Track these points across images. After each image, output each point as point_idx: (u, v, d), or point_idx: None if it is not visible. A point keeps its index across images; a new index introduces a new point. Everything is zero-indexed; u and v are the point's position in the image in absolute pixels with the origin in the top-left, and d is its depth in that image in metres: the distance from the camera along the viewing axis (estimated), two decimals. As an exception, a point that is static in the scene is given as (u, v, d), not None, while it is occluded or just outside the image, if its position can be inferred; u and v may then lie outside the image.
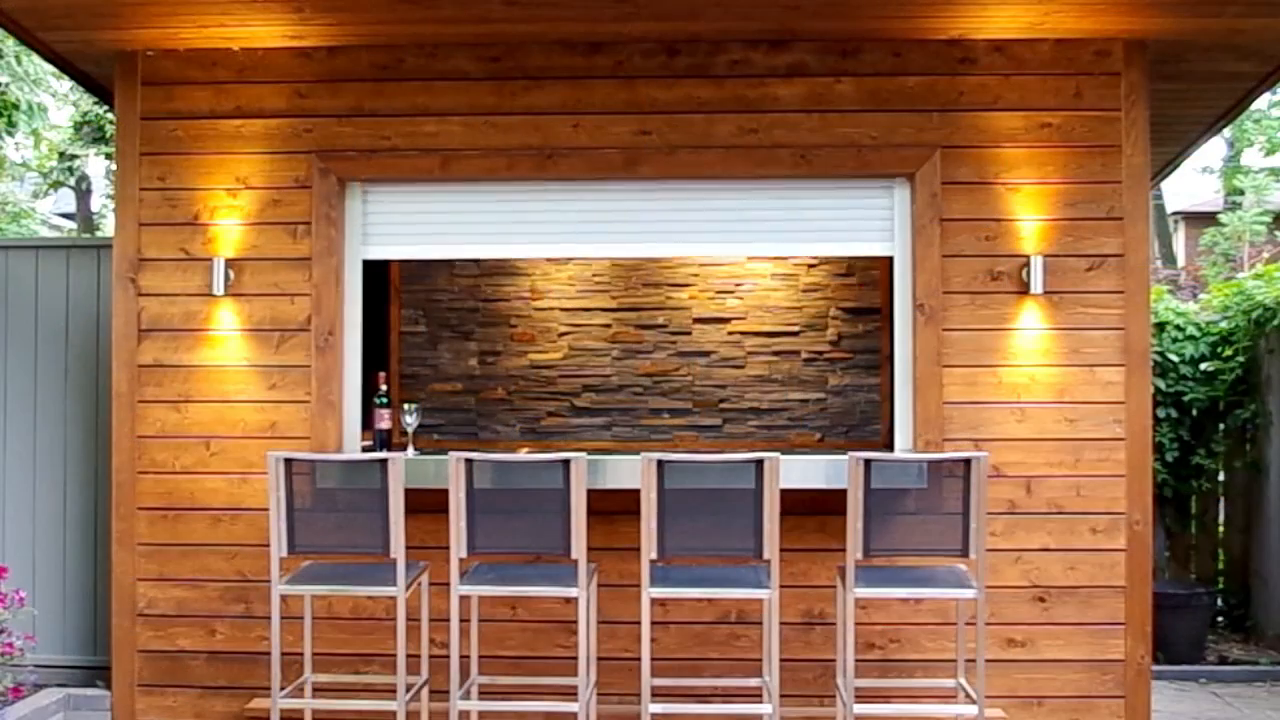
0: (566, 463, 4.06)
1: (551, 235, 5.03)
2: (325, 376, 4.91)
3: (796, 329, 7.26)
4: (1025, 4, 4.48)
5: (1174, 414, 7.20)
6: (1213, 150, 17.35)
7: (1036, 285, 4.75)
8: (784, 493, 4.05)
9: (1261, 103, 13.45)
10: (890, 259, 4.97)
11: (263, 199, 4.98)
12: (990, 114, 4.85)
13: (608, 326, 7.33)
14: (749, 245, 5.20)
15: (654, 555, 4.05)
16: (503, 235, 5.04)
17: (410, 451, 4.78)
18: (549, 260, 7.20)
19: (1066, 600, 4.79)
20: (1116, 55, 4.81)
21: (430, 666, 4.53)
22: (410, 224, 5.06)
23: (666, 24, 4.73)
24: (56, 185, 16.74)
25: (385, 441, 4.92)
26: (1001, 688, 4.74)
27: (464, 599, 4.25)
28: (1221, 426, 7.28)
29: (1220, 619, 7.20)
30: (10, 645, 4.76)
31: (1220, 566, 7.35)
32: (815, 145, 4.86)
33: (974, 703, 4.16)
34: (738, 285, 7.25)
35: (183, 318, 4.98)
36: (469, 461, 4.10)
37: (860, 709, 4.13)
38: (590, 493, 4.09)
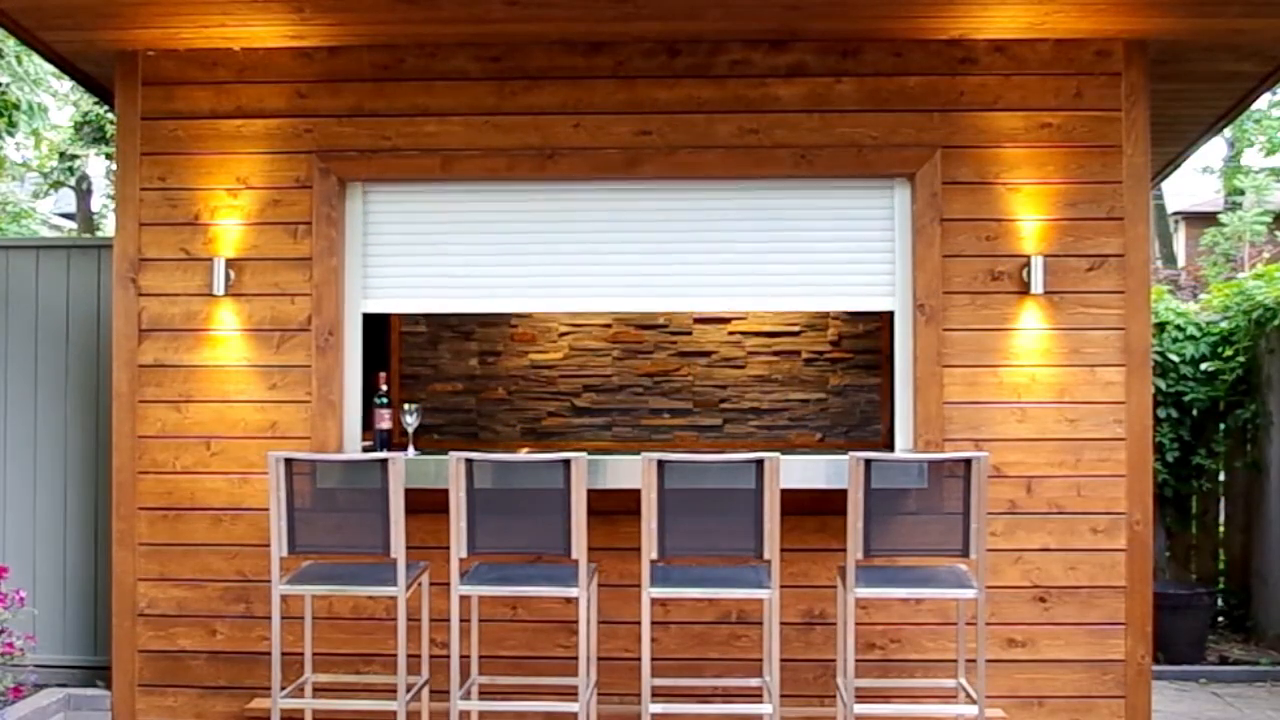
0: (567, 463, 4.06)
1: (550, 286, 5.00)
2: (326, 376, 4.91)
3: (797, 329, 7.27)
4: (1026, 4, 4.48)
5: (1174, 414, 7.20)
6: (1213, 150, 17.36)
7: (1037, 285, 4.75)
8: (784, 493, 4.05)
9: (1262, 103, 13.44)
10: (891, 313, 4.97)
11: (263, 199, 4.98)
12: (991, 114, 4.85)
13: (608, 326, 7.34)
14: (750, 299, 5.07)
15: (654, 555, 4.05)
16: (506, 287, 5.01)
17: (411, 451, 4.78)
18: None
19: (1067, 600, 4.79)
20: (1117, 55, 4.81)
21: (430, 666, 4.53)
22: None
23: (667, 24, 4.73)
24: (57, 185, 16.74)
25: (386, 442, 4.92)
26: (1002, 688, 4.74)
27: (464, 599, 4.25)
28: (1222, 426, 7.28)
29: (1221, 619, 7.20)
30: (10, 645, 4.76)
31: (1221, 566, 7.35)
32: (816, 145, 4.86)
33: (974, 703, 4.16)
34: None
35: (183, 318, 4.99)
36: (469, 461, 4.10)
37: (861, 709, 4.13)
38: (591, 493, 4.09)
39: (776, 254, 4.94)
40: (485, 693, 4.71)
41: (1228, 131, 14.25)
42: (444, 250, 5.02)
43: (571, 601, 4.56)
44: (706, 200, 4.96)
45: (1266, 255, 14.96)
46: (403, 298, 5.08)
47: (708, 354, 7.28)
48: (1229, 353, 7.17)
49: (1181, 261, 18.39)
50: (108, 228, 16.43)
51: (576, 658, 4.24)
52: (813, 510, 4.69)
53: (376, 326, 6.62)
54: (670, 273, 4.98)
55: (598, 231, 4.99)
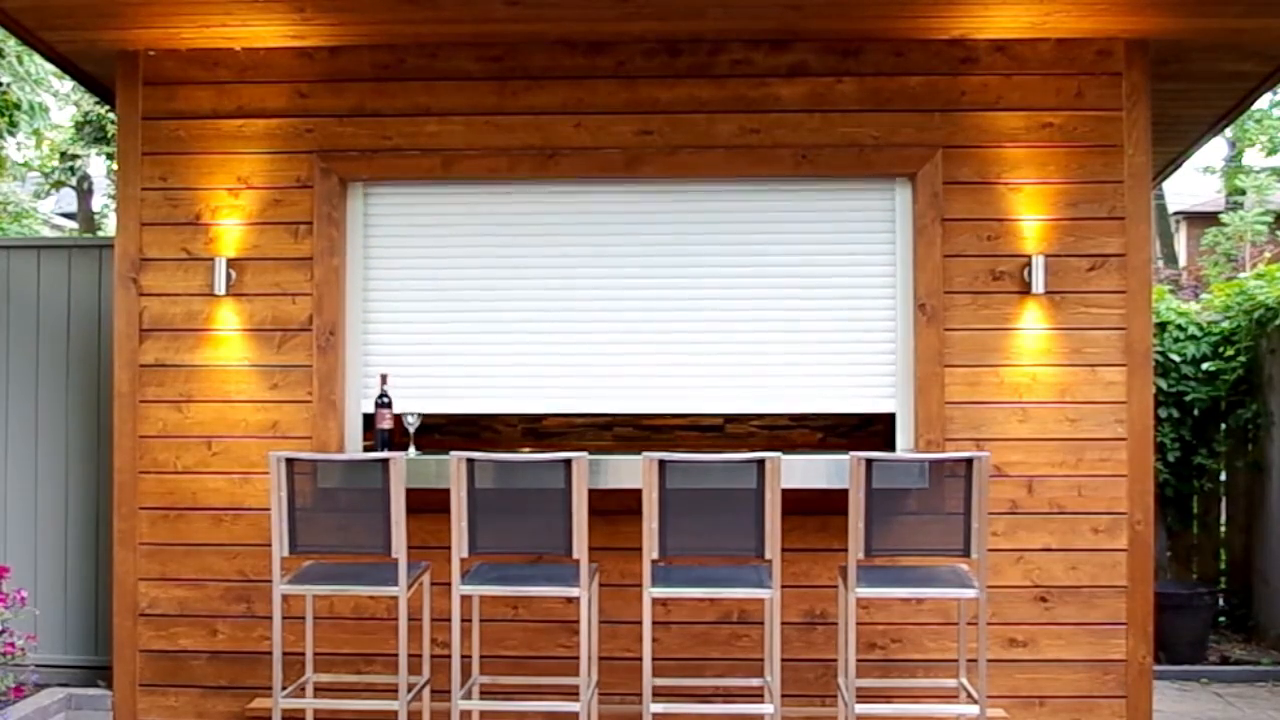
0: (568, 462, 4.06)
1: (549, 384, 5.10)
2: (327, 376, 4.91)
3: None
4: (1027, 4, 4.48)
5: (1175, 414, 7.20)
6: (1214, 150, 17.34)
7: (1038, 285, 4.75)
8: (786, 492, 4.05)
9: (1263, 102, 13.43)
10: (893, 414, 4.96)
11: (264, 199, 4.99)
12: (992, 114, 4.85)
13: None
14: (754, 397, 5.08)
15: (655, 555, 4.05)
16: (508, 387, 5.08)
17: (412, 451, 4.77)
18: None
19: (1068, 600, 4.79)
20: (1118, 55, 4.81)
21: (432, 666, 4.53)
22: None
23: (668, 24, 4.73)
24: (58, 185, 16.76)
25: (387, 441, 4.91)
26: (1003, 687, 4.74)
27: (465, 599, 4.25)
28: (1223, 426, 7.28)
29: (1222, 619, 7.19)
30: (12, 645, 4.76)
31: (1222, 566, 7.35)
32: (817, 145, 4.86)
33: (975, 703, 4.16)
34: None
35: (184, 317, 4.99)
36: (470, 461, 4.10)
37: (862, 709, 4.13)
38: (592, 492, 4.09)
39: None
40: (486, 692, 4.71)
41: (1229, 131, 14.24)
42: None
43: (573, 601, 4.55)
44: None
45: (1268, 255, 14.94)
46: (406, 392, 4.99)
47: (709, 354, 7.26)
48: (1230, 352, 7.17)
49: (1183, 261, 18.37)
50: (109, 227, 16.44)
51: (578, 657, 4.24)
52: (814, 510, 4.69)
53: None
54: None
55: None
